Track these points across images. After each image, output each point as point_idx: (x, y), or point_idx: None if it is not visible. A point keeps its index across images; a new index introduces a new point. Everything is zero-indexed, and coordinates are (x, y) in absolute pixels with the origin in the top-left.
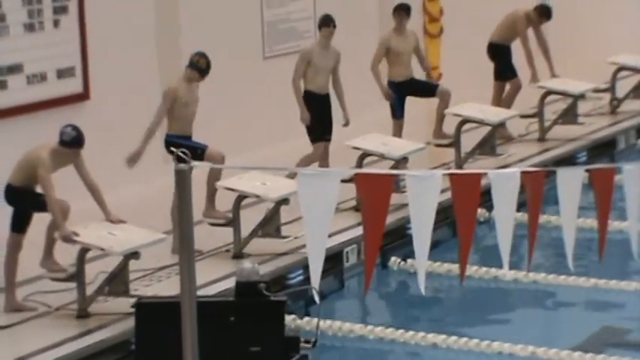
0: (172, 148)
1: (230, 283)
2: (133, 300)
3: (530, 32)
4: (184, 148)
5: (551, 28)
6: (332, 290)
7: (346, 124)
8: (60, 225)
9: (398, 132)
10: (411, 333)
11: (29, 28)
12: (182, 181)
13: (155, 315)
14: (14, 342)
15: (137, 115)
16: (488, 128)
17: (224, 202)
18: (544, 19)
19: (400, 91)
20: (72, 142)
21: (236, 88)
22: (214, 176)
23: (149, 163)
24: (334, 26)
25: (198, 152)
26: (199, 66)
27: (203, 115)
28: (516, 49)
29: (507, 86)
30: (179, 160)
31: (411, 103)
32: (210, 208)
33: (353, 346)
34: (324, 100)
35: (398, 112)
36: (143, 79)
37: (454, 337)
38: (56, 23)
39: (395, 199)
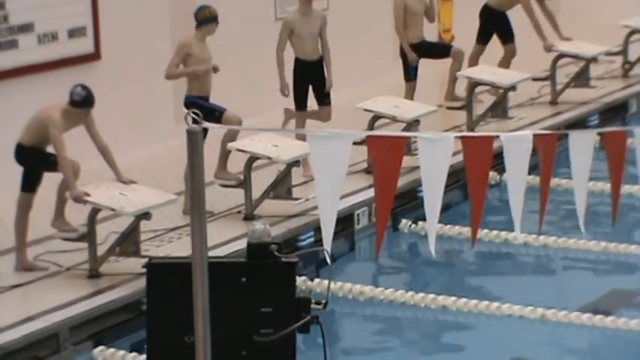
0: (184, 109)
1: (241, 245)
2: (143, 260)
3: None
4: (203, 109)
5: None
6: (343, 252)
7: (329, 88)
8: (71, 185)
9: (410, 94)
10: (421, 295)
11: None
12: (194, 142)
13: (166, 275)
14: (25, 301)
15: (148, 75)
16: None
17: (235, 164)
18: None
19: (415, 53)
20: (82, 101)
21: (248, 50)
22: (229, 138)
23: (160, 124)
24: None
25: (216, 114)
26: (210, 17)
27: (215, 77)
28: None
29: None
30: (193, 121)
31: (423, 65)
32: (222, 170)
33: (363, 308)
34: (314, 65)
35: (411, 74)
36: (154, 40)
37: (464, 300)
38: None
39: (406, 161)
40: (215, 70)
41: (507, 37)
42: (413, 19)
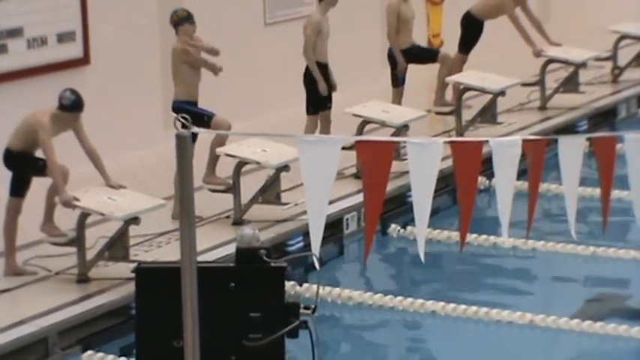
0: (172, 113)
1: (230, 249)
2: (132, 265)
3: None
4: (192, 114)
5: None
6: (332, 257)
7: (334, 89)
8: (60, 190)
9: (397, 100)
10: (409, 300)
11: None
12: (183, 147)
13: (155, 280)
14: (14, 306)
15: (137, 80)
16: (489, 96)
17: (224, 169)
18: None
19: (404, 59)
20: (71, 105)
21: (237, 55)
22: (218, 143)
23: (149, 129)
24: None
25: (205, 119)
26: (181, 19)
27: (204, 82)
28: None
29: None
30: (182, 125)
31: (411, 70)
32: (210, 174)
33: (352, 313)
34: (326, 68)
35: (399, 79)
36: (144, 45)
37: (453, 305)
38: None
39: (395, 166)
40: (215, 70)
41: (471, 47)
42: (404, 25)
